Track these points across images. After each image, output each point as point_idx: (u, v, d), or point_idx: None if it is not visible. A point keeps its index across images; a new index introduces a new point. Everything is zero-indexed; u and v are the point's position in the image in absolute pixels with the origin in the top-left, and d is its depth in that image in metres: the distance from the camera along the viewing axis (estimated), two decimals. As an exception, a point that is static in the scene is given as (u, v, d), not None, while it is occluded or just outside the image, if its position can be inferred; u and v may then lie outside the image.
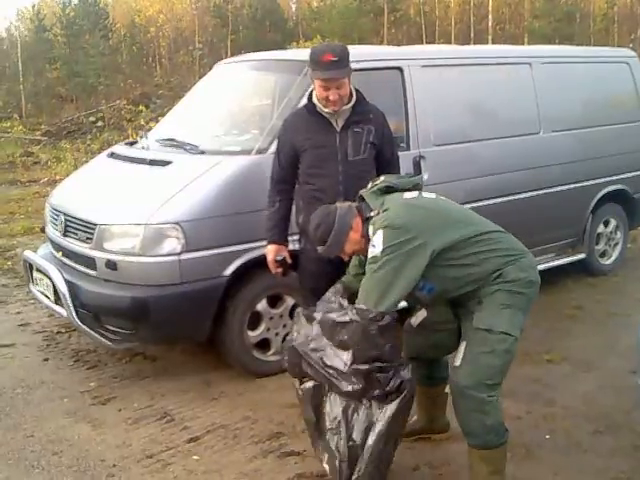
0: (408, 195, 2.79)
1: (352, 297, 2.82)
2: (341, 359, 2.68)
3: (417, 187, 2.88)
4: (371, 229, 2.69)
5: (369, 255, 2.63)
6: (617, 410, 3.56)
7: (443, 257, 2.63)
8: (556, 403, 3.68)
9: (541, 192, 5.16)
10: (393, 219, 2.63)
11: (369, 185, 2.89)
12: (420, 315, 2.99)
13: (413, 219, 2.64)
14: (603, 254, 5.95)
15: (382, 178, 2.89)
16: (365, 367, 2.64)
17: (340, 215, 2.80)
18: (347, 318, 2.67)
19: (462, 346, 2.70)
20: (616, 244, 6.04)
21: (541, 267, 5.36)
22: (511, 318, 2.64)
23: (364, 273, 2.71)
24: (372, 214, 2.74)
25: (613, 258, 6.02)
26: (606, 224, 5.90)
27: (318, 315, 2.83)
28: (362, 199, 2.86)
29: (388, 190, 2.81)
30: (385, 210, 2.69)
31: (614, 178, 5.73)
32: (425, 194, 2.88)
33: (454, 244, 2.64)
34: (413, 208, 2.72)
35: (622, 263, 6.07)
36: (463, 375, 2.63)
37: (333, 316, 2.75)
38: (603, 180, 5.65)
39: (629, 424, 3.41)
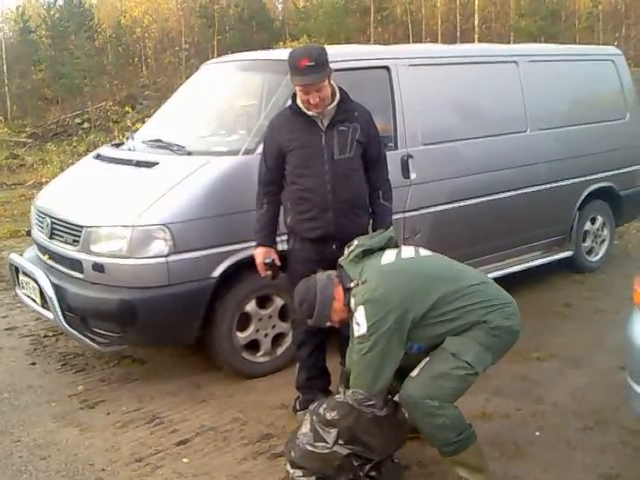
0: (386, 260, 2.82)
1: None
2: (327, 436, 2.75)
3: (391, 241, 2.94)
4: (352, 301, 2.74)
5: (355, 334, 2.69)
6: (606, 406, 3.58)
7: (426, 317, 2.68)
8: (545, 400, 3.69)
9: (528, 190, 5.18)
10: (372, 292, 2.67)
11: (345, 253, 2.94)
12: None
13: (392, 288, 2.69)
14: (590, 251, 5.99)
15: (355, 242, 2.93)
16: (347, 448, 2.72)
17: (320, 288, 2.86)
18: (342, 399, 2.78)
19: (424, 361, 2.73)
20: (603, 241, 6.07)
21: (529, 265, 5.40)
22: (480, 354, 2.69)
23: None
24: (352, 285, 2.78)
25: (600, 255, 6.06)
26: (593, 221, 5.93)
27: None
28: (341, 267, 2.91)
29: (365, 254, 2.85)
30: (364, 282, 2.73)
31: (600, 175, 5.76)
32: (404, 252, 2.90)
33: (435, 304, 2.68)
34: (391, 275, 2.75)
35: (609, 260, 6.10)
36: (414, 386, 2.67)
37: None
38: (590, 178, 5.68)
39: (618, 420, 3.42)
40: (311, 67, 3.06)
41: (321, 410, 2.80)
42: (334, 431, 2.73)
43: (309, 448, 2.77)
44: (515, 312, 2.80)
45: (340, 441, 2.73)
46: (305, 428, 2.82)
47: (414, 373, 2.71)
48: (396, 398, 2.83)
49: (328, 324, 2.94)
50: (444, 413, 2.63)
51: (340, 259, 2.95)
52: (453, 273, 2.84)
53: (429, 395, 2.62)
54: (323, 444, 2.75)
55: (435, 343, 2.73)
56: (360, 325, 2.65)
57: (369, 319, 2.62)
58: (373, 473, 2.79)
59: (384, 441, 2.77)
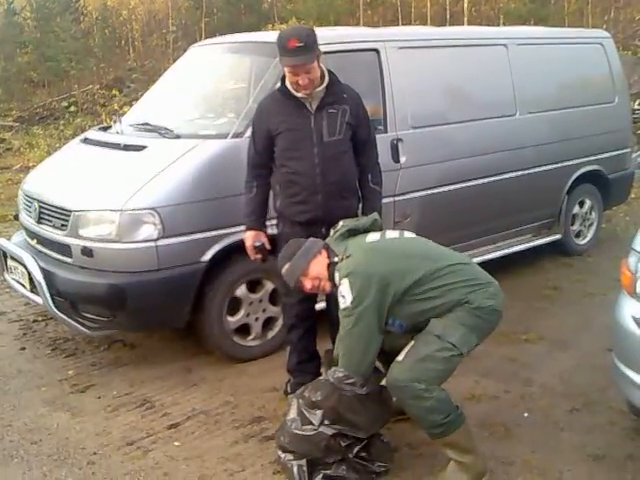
0: (370, 238, 2.85)
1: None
2: (313, 418, 2.78)
3: (376, 223, 2.97)
4: (337, 275, 2.76)
5: (341, 306, 2.70)
6: (593, 388, 3.62)
7: (408, 294, 2.70)
8: (534, 382, 3.72)
9: (518, 174, 5.20)
10: (356, 266, 2.70)
11: (331, 232, 2.98)
12: None
13: (375, 262, 2.72)
14: (578, 234, 6.03)
15: (341, 223, 2.97)
16: (333, 428, 2.74)
17: (310, 241, 2.94)
18: (324, 379, 2.83)
19: (409, 345, 2.75)
20: (591, 224, 6.11)
21: (518, 248, 5.43)
22: (464, 335, 2.71)
23: None
24: (337, 259, 2.80)
25: (588, 238, 6.10)
26: (581, 205, 5.97)
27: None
28: (327, 245, 2.93)
29: (351, 233, 2.89)
30: (348, 256, 2.75)
31: (589, 159, 5.78)
32: (388, 234, 2.94)
33: (417, 281, 2.69)
34: (375, 252, 2.78)
35: (597, 243, 6.15)
36: (401, 370, 2.69)
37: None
38: (578, 161, 5.70)
39: (605, 401, 3.46)
40: (300, 48, 3.05)
41: (306, 393, 2.83)
42: (319, 412, 2.76)
43: (297, 432, 2.80)
44: (497, 292, 2.81)
45: (326, 422, 2.75)
46: (293, 413, 2.84)
47: (400, 357, 2.73)
48: (383, 382, 2.85)
49: (298, 284, 2.90)
50: (431, 395, 2.64)
51: (327, 239, 2.98)
52: (436, 253, 2.87)
53: (416, 378, 2.64)
54: (310, 426, 2.77)
55: (417, 323, 2.74)
56: (345, 297, 2.66)
57: (353, 291, 2.64)
58: (363, 454, 2.82)
59: (369, 418, 2.78)
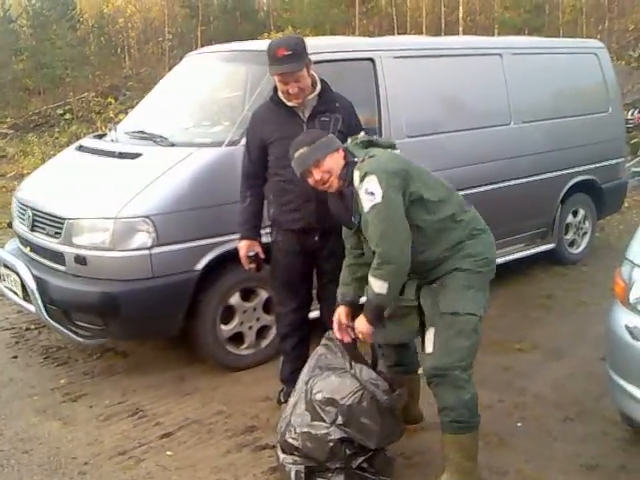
0: (394, 151, 2.88)
1: (357, 313, 2.88)
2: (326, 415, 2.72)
3: (394, 147, 2.96)
4: (357, 174, 2.70)
5: (370, 204, 2.62)
6: (587, 397, 3.61)
7: (422, 203, 2.70)
8: (527, 391, 3.72)
9: (512, 183, 5.21)
10: (384, 163, 2.69)
11: (349, 141, 2.93)
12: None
13: (401, 162, 2.74)
14: (572, 243, 6.04)
15: (362, 134, 2.94)
16: (344, 431, 2.70)
17: (331, 137, 2.89)
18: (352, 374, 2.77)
19: (430, 333, 2.76)
20: (585, 233, 6.13)
21: (512, 257, 5.44)
22: (474, 298, 2.74)
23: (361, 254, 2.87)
24: (356, 159, 2.77)
25: (582, 247, 6.12)
26: (575, 214, 5.98)
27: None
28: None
29: (370, 144, 2.87)
30: (371, 157, 2.73)
31: (583, 168, 5.80)
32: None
33: (427, 203, 2.71)
34: (399, 158, 2.80)
35: (591, 252, 6.16)
36: (436, 359, 2.71)
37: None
38: (572, 170, 5.72)
39: (599, 411, 3.46)
40: (288, 56, 3.07)
41: (320, 388, 2.77)
42: (333, 410, 2.71)
43: (305, 429, 2.74)
44: (490, 240, 2.88)
45: (339, 421, 2.70)
46: (300, 407, 2.78)
47: (429, 349, 2.74)
48: (420, 371, 2.85)
49: (306, 174, 2.84)
50: (470, 390, 2.73)
51: (345, 144, 2.93)
52: (446, 189, 2.88)
53: (453, 361, 2.68)
54: (321, 423, 2.72)
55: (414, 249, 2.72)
56: (375, 194, 2.60)
57: (382, 184, 2.60)
58: (365, 465, 2.78)
59: (382, 430, 2.75)
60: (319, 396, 2.76)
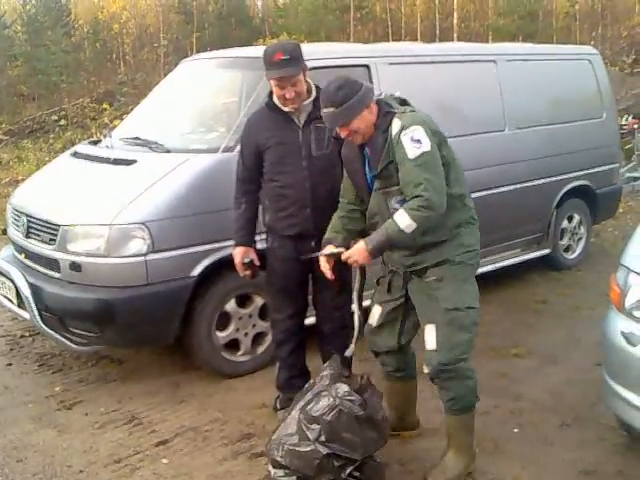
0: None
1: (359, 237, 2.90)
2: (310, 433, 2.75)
3: None
4: (398, 123, 2.71)
5: (418, 151, 2.64)
6: (583, 403, 3.62)
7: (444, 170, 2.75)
8: (523, 397, 3.72)
9: (507, 189, 5.22)
10: (428, 120, 2.75)
11: (383, 94, 2.93)
12: (375, 313, 3.07)
13: (438, 128, 2.79)
14: (567, 249, 6.05)
15: (398, 92, 2.96)
16: (328, 448, 2.72)
17: (366, 87, 2.81)
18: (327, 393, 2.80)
19: (431, 329, 2.81)
20: (580, 239, 6.14)
21: (507, 262, 5.45)
22: (470, 291, 2.85)
23: (363, 214, 2.93)
24: (396, 110, 2.78)
25: (577, 253, 6.13)
26: (570, 219, 6.00)
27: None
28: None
29: (405, 103, 2.89)
30: (413, 111, 2.77)
31: (577, 174, 5.82)
32: None
33: (449, 173, 2.75)
34: (435, 122, 2.84)
35: (586, 258, 6.17)
36: (442, 355, 2.78)
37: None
38: (567, 176, 5.74)
39: (595, 416, 3.46)
40: (285, 60, 3.09)
41: (308, 408, 2.80)
42: (317, 427, 2.73)
43: (291, 447, 2.76)
44: (478, 232, 2.95)
45: (322, 438, 2.72)
46: (292, 428, 2.81)
47: (432, 346, 2.80)
48: (425, 370, 2.89)
49: (334, 130, 2.85)
50: (474, 376, 2.88)
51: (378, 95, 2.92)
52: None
53: (458, 355, 2.78)
54: (306, 442, 2.75)
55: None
56: (422, 142, 2.64)
57: (428, 136, 2.66)
58: (356, 474, 2.78)
59: (364, 440, 2.77)
60: (304, 415, 2.80)
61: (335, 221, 3.03)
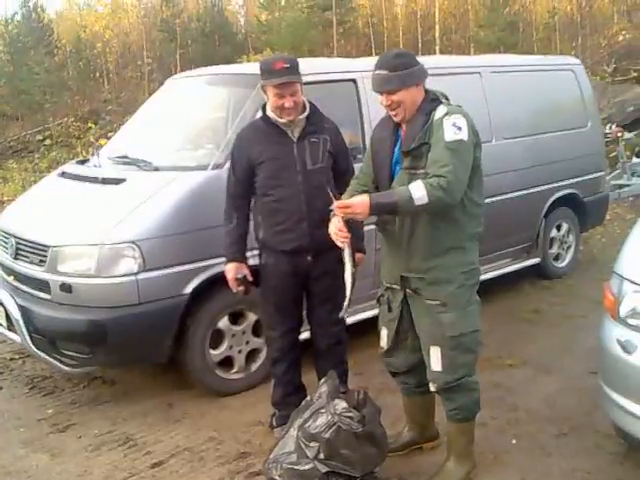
0: None
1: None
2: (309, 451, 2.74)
3: None
4: (443, 109, 2.72)
5: (455, 136, 2.64)
6: (579, 411, 3.62)
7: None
8: (519, 407, 3.71)
9: (495, 199, 5.22)
10: (470, 118, 2.75)
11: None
12: (383, 335, 3.05)
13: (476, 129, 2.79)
14: (557, 257, 6.08)
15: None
16: (327, 465, 2.71)
17: (423, 67, 2.82)
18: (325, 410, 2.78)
19: (436, 351, 2.82)
20: (569, 247, 6.17)
21: (498, 272, 5.46)
22: (474, 314, 2.87)
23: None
24: (443, 101, 2.80)
25: (567, 261, 6.16)
26: (558, 228, 6.03)
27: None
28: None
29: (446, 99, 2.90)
30: (459, 106, 2.80)
31: (564, 183, 5.86)
32: None
33: (474, 178, 2.76)
34: None
35: (576, 265, 6.21)
36: (448, 375, 2.84)
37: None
38: (554, 185, 5.77)
39: (591, 425, 3.46)
40: (287, 68, 3.12)
41: (306, 425, 2.78)
42: (315, 445, 2.71)
43: (290, 466, 2.74)
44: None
45: (321, 456, 2.70)
46: (290, 447, 2.79)
47: (437, 368, 2.83)
48: (432, 388, 2.90)
49: (393, 90, 2.73)
50: (478, 387, 2.95)
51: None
52: None
53: (463, 374, 2.84)
54: (305, 460, 2.72)
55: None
56: (462, 130, 2.66)
57: (469, 129, 2.68)
58: None
59: (363, 457, 2.76)
60: (302, 432, 2.78)
61: (351, 187, 3.02)
